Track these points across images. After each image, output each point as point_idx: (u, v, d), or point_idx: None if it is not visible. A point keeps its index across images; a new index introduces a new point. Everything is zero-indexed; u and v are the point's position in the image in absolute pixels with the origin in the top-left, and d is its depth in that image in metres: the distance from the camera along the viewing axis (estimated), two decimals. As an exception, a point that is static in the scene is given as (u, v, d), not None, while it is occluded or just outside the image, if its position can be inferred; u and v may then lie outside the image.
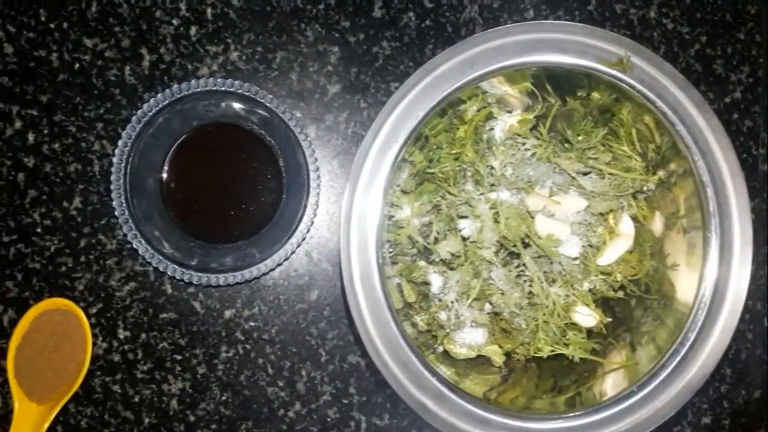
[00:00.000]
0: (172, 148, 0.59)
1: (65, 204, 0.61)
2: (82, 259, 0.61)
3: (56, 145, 0.61)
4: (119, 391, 0.61)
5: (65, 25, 0.61)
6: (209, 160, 0.60)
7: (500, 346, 0.53)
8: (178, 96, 0.56)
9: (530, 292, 0.51)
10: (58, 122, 0.61)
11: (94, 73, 0.61)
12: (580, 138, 0.52)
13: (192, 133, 0.59)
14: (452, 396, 0.46)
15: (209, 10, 0.62)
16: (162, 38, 0.62)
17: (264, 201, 0.60)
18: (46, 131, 0.61)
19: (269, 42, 0.62)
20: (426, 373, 0.46)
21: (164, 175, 0.59)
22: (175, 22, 0.62)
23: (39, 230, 0.61)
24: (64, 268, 0.61)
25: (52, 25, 0.61)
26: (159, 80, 0.62)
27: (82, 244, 0.61)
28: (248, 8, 0.62)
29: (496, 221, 0.50)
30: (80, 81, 0.61)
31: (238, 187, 0.60)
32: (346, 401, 0.62)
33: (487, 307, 0.53)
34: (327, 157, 0.63)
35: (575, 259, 0.51)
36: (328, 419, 0.62)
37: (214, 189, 0.60)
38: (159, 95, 0.56)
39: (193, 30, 0.62)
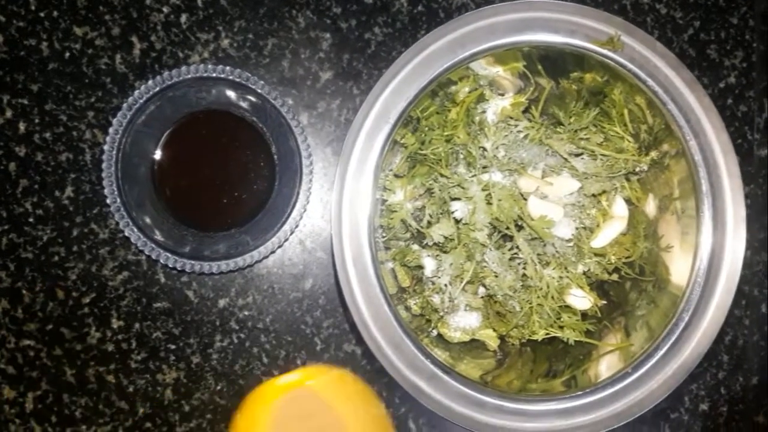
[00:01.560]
0: (164, 136, 0.59)
1: (57, 193, 0.61)
2: (75, 248, 0.61)
3: (47, 134, 0.61)
4: (113, 381, 0.61)
5: (55, 13, 0.61)
6: (201, 147, 0.60)
7: (494, 330, 0.52)
8: (169, 83, 0.56)
9: (524, 275, 0.50)
10: (49, 111, 0.61)
11: (85, 62, 0.61)
12: (571, 119, 0.52)
13: (183, 120, 0.59)
14: (446, 378, 0.46)
15: (200, -2, 0.62)
16: (152, 26, 0.61)
17: (256, 188, 0.59)
18: (37, 120, 0.61)
19: (260, 29, 0.62)
20: (419, 354, 0.46)
21: (156, 163, 0.59)
22: (165, 9, 0.61)
23: (31, 220, 0.61)
24: (56, 258, 0.61)
25: (41, 14, 0.61)
26: (150, 68, 0.61)
27: (75, 233, 0.61)
28: (239, -5, 0.62)
29: (489, 203, 0.49)
30: (71, 70, 0.61)
31: (230, 174, 0.59)
32: (341, 389, 0.62)
33: (481, 290, 0.53)
34: (320, 145, 0.62)
35: (569, 241, 0.51)
36: (324, 408, 0.61)
37: (206, 176, 0.59)
38: (150, 82, 0.56)
39: (183, 17, 0.61)
